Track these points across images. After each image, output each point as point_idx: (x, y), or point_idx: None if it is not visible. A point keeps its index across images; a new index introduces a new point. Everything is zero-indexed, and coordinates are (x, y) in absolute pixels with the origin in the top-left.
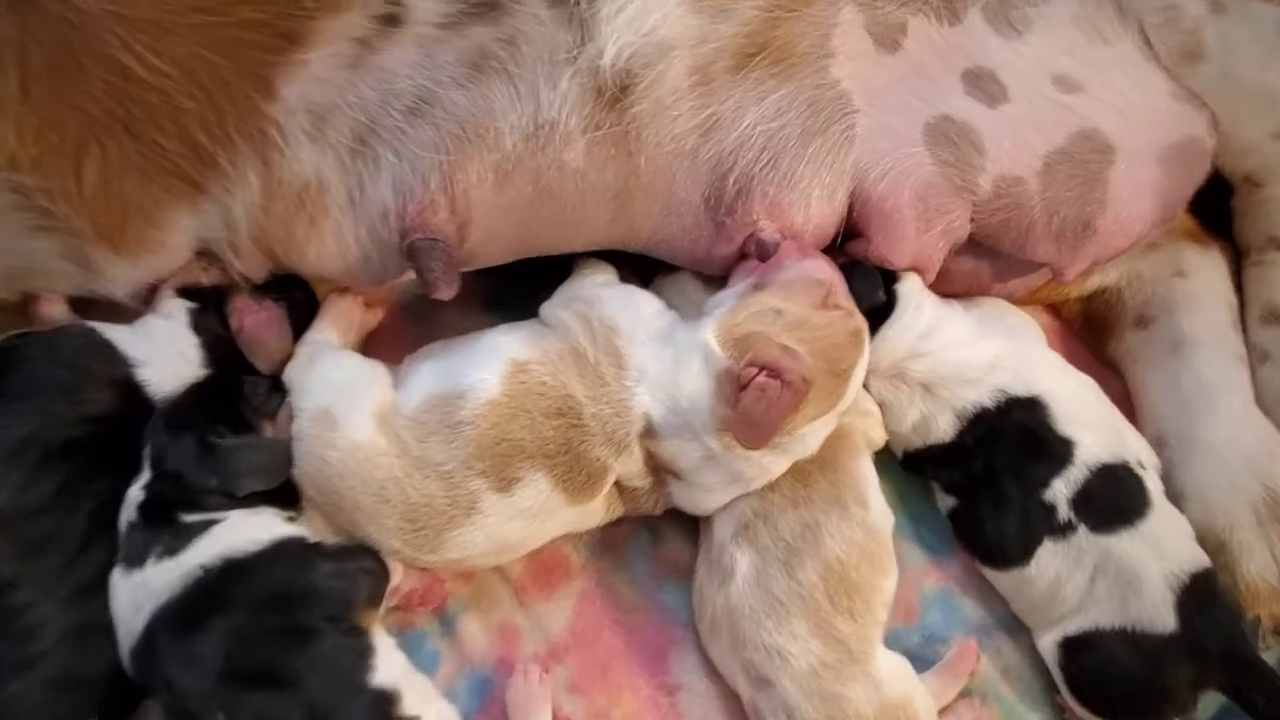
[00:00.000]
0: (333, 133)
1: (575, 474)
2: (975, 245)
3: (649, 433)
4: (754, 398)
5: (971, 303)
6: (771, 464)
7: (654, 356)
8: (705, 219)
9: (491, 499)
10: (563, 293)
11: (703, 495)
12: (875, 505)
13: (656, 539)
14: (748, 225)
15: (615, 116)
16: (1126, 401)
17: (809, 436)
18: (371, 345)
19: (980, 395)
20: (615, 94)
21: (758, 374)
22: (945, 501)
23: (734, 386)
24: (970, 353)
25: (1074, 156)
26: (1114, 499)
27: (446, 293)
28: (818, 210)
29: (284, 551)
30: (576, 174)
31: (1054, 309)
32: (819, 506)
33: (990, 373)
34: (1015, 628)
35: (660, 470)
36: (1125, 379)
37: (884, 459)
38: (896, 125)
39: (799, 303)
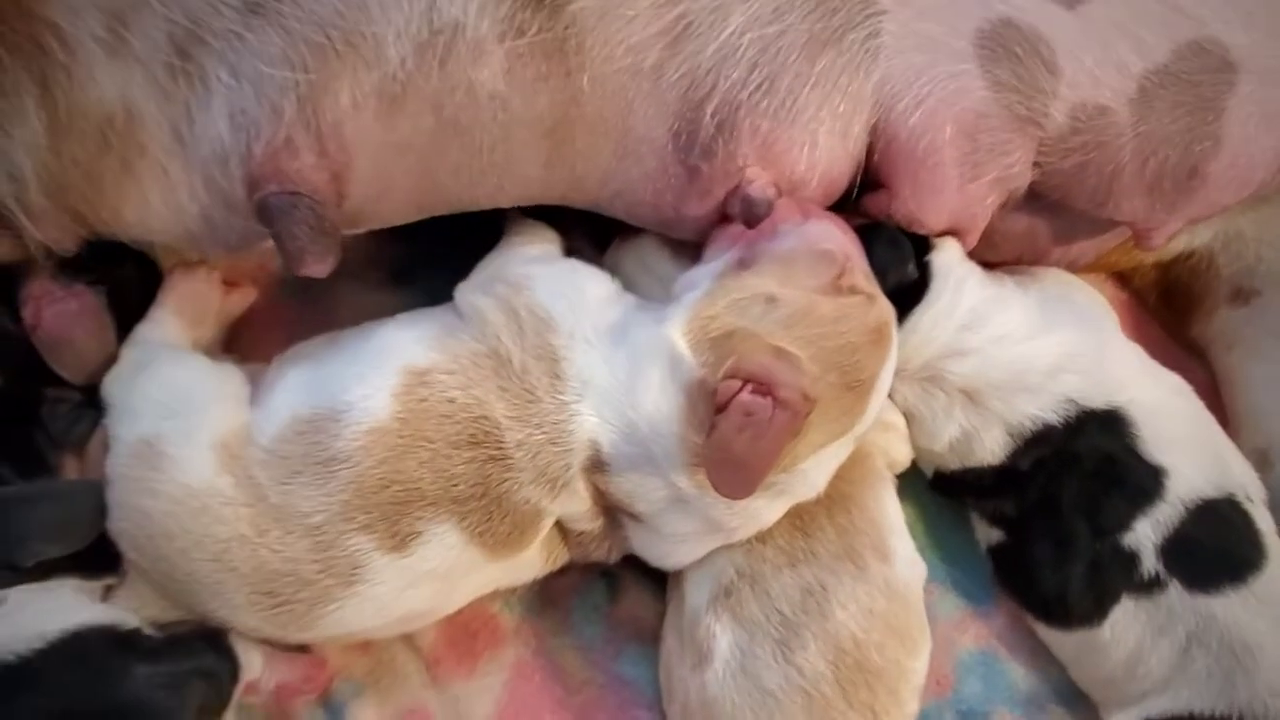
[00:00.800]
0: (139, 41)
1: (496, 522)
2: (1035, 198)
3: (596, 465)
4: (735, 423)
5: (1025, 275)
6: (762, 510)
7: (602, 361)
8: (674, 164)
9: (380, 561)
10: (483, 270)
11: (670, 546)
12: (902, 555)
13: (613, 591)
14: (731, 174)
15: (546, 18)
16: (1212, 398)
17: (813, 472)
18: (241, 341)
19: (1042, 407)
20: None
21: (740, 389)
22: (988, 534)
23: (709, 406)
24: (1030, 349)
25: (1181, 78)
26: (1218, 546)
27: (317, 267)
28: (827, 153)
29: (82, 650)
30: (494, 100)
31: (1121, 277)
32: (825, 564)
33: (1056, 377)
34: (1076, 700)
35: (615, 510)
36: (1214, 370)
37: (905, 473)
38: (938, 32)
39: (800, 286)
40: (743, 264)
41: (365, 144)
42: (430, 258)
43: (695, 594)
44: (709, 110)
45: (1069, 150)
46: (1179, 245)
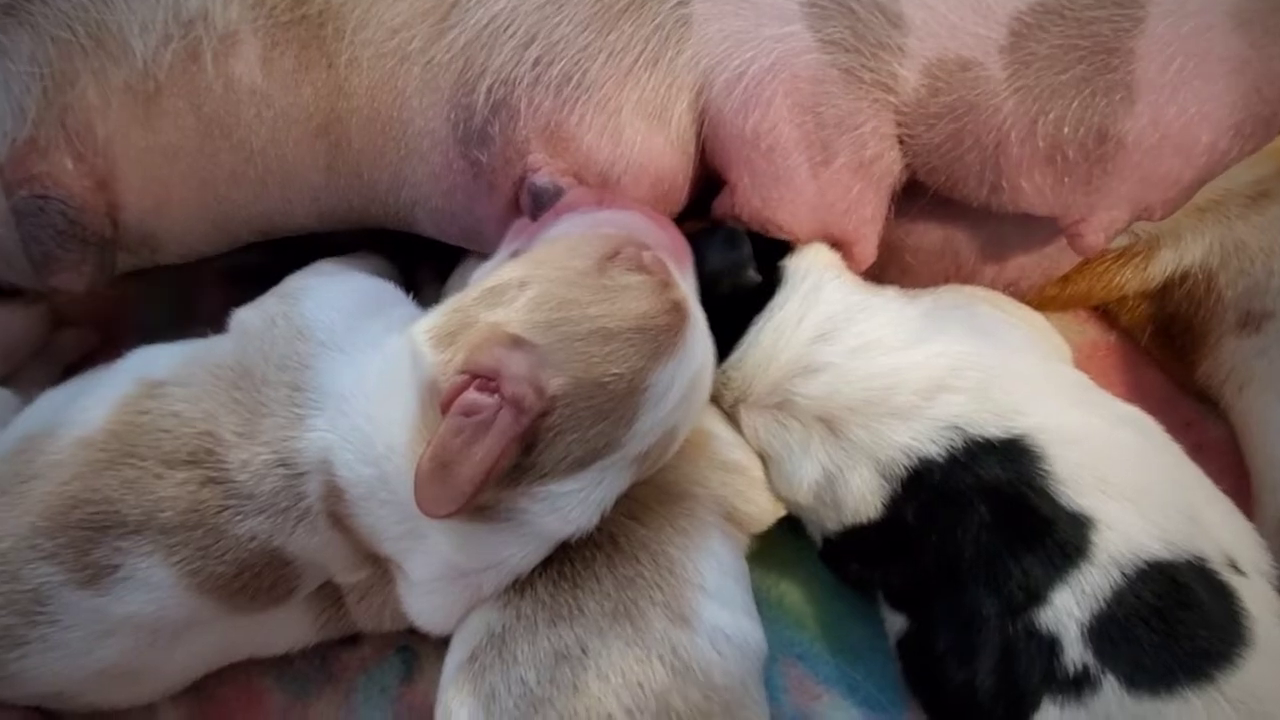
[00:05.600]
0: None
1: (213, 560)
2: (940, 201)
3: (335, 494)
4: (454, 425)
5: (925, 291)
6: (500, 546)
7: (348, 367)
8: (456, 157)
9: (69, 598)
10: (275, 289)
11: (421, 599)
12: (710, 622)
13: (408, 669)
14: (512, 162)
15: (297, 1)
16: (1231, 456)
17: (565, 499)
18: None
19: (918, 435)
20: None
21: (465, 387)
22: (893, 622)
23: (439, 413)
24: (898, 362)
25: (1066, 14)
26: (1171, 628)
27: (68, 277)
28: (639, 139)
29: None
30: (255, 96)
31: (1106, 315)
32: (593, 622)
33: (934, 397)
34: None
35: (380, 558)
36: (1229, 416)
37: (798, 547)
38: None
39: (560, 267)
40: (515, 255)
41: (126, 147)
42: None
43: (449, 662)
44: (481, 91)
45: (932, 118)
46: (1167, 265)
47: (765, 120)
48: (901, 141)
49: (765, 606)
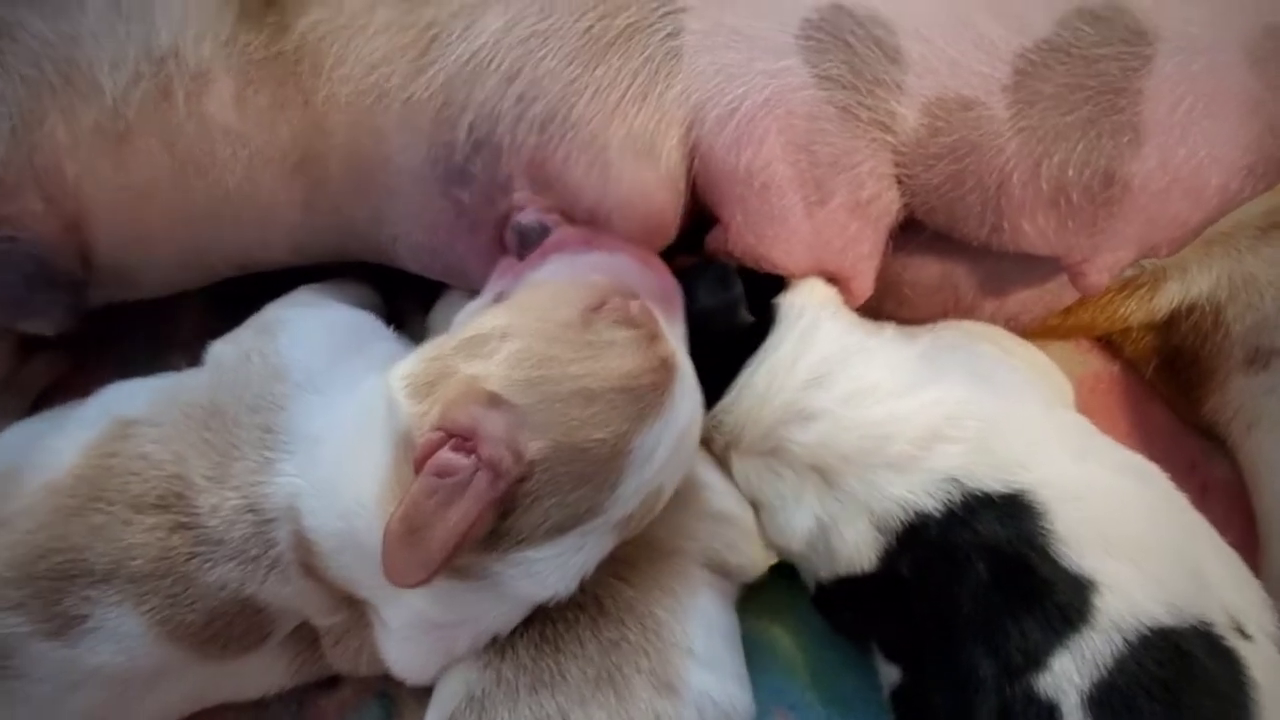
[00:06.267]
0: None
1: (183, 609)
2: (939, 236)
3: (302, 544)
4: (426, 486)
5: (924, 329)
6: (476, 606)
7: (323, 410)
8: (436, 195)
9: (36, 649)
10: (252, 319)
11: (395, 645)
12: (698, 688)
13: (390, 713)
14: (496, 201)
15: (270, 37)
16: (1238, 499)
17: (544, 565)
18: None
19: (914, 488)
20: None
21: (439, 445)
22: (888, 673)
23: (411, 464)
24: (894, 410)
25: (1073, 53)
26: (1174, 698)
27: (39, 322)
28: (627, 176)
29: None
30: (230, 135)
31: (1110, 346)
32: (575, 690)
33: (931, 448)
34: None
35: (357, 600)
36: (1235, 455)
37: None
38: (756, 27)
39: (542, 319)
40: (499, 299)
41: (97, 187)
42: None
43: (431, 715)
44: (463, 129)
45: (932, 158)
46: (1173, 297)
47: (758, 158)
48: (900, 181)
49: (756, 653)
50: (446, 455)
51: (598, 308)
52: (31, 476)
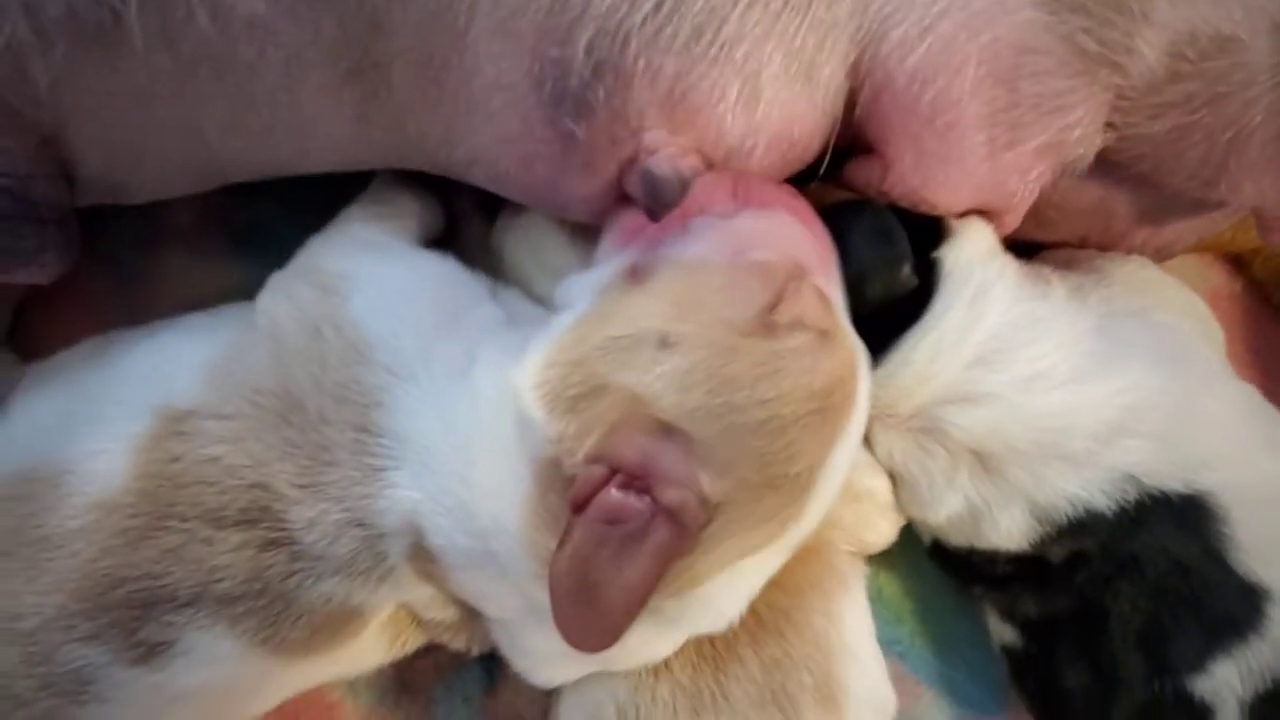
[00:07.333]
0: None
1: (286, 627)
2: (1111, 167)
3: (421, 555)
4: (594, 535)
5: (1087, 272)
6: (645, 643)
7: (433, 410)
8: (540, 125)
9: (120, 676)
10: (302, 255)
11: (532, 663)
12: (857, 695)
13: (491, 677)
14: (621, 141)
15: None
16: None
17: (720, 597)
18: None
19: (1087, 485)
20: None
21: (606, 482)
22: (1002, 631)
23: (563, 499)
24: (1073, 399)
25: None
26: None
27: (31, 272)
28: (780, 109)
29: None
30: (255, 29)
31: (1234, 262)
32: (740, 713)
33: (1111, 443)
34: None
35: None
36: None
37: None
38: None
39: (710, 319)
40: (635, 274)
41: (79, 95)
42: (287, 211)
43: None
44: (582, 44)
45: (1163, 107)
46: None
47: (948, 93)
48: (1112, 125)
49: None
50: (616, 497)
51: (774, 305)
52: (75, 485)
